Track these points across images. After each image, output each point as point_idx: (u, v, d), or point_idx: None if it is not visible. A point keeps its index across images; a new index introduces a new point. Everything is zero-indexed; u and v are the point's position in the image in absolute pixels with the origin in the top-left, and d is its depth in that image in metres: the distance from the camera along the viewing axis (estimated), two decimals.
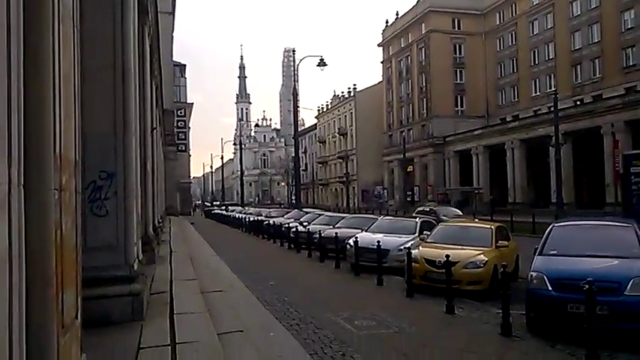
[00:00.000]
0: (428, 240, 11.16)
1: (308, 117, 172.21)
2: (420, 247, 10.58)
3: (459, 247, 10.13)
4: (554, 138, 31.04)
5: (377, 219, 16.00)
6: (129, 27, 6.16)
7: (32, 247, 2.03)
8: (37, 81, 2.19)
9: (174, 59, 47.73)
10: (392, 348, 6.28)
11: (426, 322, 7.68)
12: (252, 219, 29.34)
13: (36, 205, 2.09)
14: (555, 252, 7.56)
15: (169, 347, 4.83)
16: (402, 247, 12.13)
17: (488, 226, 11.47)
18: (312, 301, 9.06)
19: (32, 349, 2.04)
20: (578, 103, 43.52)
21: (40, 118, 2.20)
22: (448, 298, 8.15)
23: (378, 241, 11.17)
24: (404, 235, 13.06)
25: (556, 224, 8.67)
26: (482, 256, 9.78)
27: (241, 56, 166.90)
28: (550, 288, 6.83)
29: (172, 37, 45.57)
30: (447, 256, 8.28)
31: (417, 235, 12.98)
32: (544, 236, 8.19)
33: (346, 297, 9.62)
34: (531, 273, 7.23)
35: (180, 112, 49.24)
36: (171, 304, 6.66)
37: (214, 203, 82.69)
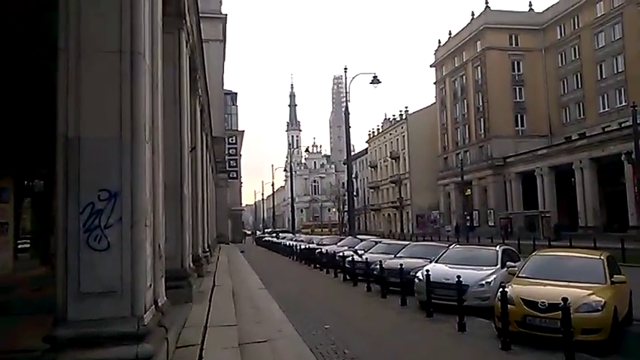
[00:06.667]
0: (520, 274, 9.02)
1: (358, 143, 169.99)
2: (513, 285, 8.46)
3: (564, 283, 7.99)
4: (629, 155, 27.96)
5: (446, 247, 13.85)
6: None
7: None
8: None
9: (225, 88, 47.70)
10: None
11: None
12: (303, 247, 27.75)
13: None
14: None
15: None
16: (483, 282, 10.18)
17: (597, 256, 9.12)
18: (380, 354, 7.18)
19: None
20: None
21: None
22: (567, 353, 6.09)
23: (459, 276, 9.07)
24: (484, 268, 10.96)
25: None
26: (596, 295, 7.63)
27: (291, 84, 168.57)
28: None
29: (223, 65, 45.53)
30: (565, 299, 6.22)
31: (499, 266, 10.94)
32: None
33: (422, 348, 7.68)
34: None
35: (232, 140, 49.31)
36: None
37: (266, 230, 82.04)
